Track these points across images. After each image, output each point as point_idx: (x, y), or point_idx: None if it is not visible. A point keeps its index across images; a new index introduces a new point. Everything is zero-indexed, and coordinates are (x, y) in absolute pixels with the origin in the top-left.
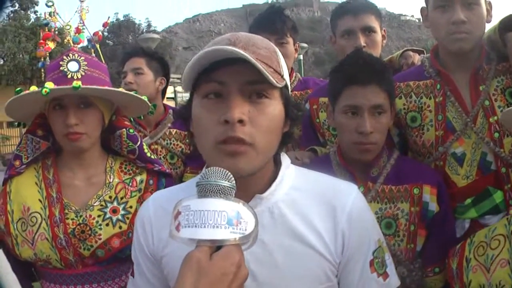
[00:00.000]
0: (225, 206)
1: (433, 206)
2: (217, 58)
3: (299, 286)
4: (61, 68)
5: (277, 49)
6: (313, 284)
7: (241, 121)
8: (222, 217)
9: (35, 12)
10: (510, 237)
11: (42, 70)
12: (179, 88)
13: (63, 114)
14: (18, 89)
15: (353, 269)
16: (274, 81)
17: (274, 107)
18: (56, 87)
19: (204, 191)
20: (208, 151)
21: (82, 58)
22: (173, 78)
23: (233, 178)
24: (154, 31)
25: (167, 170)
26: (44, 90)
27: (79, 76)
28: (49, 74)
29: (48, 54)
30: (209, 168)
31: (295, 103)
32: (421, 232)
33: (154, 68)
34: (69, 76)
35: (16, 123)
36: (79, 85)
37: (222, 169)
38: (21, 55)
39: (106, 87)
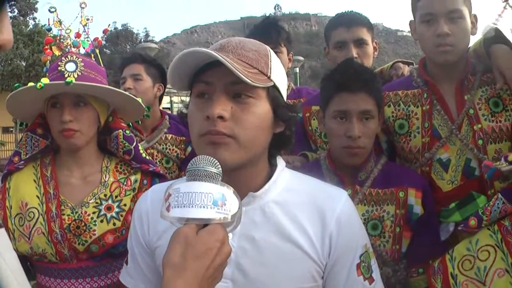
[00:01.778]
0: (211, 188)
1: (418, 209)
2: (206, 60)
3: (284, 284)
4: (59, 68)
5: (270, 52)
6: (298, 283)
7: (221, 117)
8: (208, 198)
9: (34, 18)
10: (501, 246)
11: (47, 75)
12: (175, 98)
13: (59, 112)
14: (17, 84)
15: (340, 272)
16: (249, 81)
17: (260, 107)
18: (50, 82)
19: (193, 175)
20: (194, 143)
21: (80, 59)
22: (170, 88)
23: (219, 166)
24: (152, 41)
25: (161, 172)
26: (38, 84)
27: (76, 76)
28: (49, 75)
29: (50, 58)
30: (198, 156)
31: (287, 104)
32: (406, 234)
33: (152, 74)
34: (66, 75)
35: (11, 129)
36: (71, 80)
37: (210, 157)
38: (17, 61)
39: (98, 84)
